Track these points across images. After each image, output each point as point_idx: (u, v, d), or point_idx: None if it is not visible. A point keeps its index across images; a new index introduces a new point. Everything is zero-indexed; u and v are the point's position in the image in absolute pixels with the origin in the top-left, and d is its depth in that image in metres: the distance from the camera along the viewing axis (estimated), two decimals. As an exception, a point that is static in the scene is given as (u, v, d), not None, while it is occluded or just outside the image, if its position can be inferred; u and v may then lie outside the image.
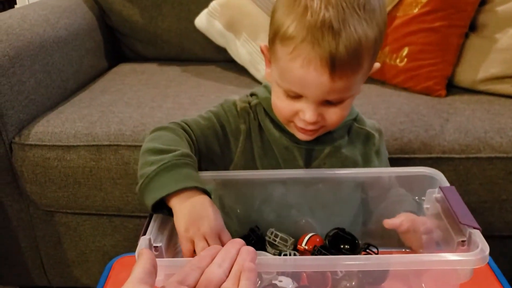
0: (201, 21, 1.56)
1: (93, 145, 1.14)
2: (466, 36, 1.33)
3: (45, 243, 1.29)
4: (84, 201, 1.19)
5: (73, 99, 1.35)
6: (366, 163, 0.85)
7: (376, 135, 0.86)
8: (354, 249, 0.74)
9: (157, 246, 0.63)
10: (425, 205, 0.77)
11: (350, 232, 0.75)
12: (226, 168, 0.82)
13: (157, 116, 1.19)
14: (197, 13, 1.57)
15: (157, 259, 0.52)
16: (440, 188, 0.72)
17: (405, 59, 1.32)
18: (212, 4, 1.52)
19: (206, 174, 0.77)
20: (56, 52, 1.35)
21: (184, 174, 0.68)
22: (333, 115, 0.73)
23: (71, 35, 1.44)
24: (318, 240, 0.76)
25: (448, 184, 0.74)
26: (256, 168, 0.82)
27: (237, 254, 0.55)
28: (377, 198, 0.83)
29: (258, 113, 0.82)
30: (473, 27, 1.34)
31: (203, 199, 0.66)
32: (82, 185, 1.16)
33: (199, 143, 0.78)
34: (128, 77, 1.53)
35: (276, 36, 0.70)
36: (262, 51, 0.78)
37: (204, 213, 0.65)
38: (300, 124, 0.74)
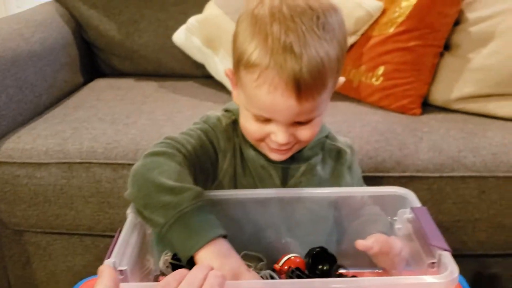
0: (179, 37, 1.55)
1: (64, 163, 1.12)
2: (441, 55, 1.35)
3: (14, 263, 1.25)
4: (54, 220, 1.16)
5: (46, 115, 1.33)
6: (338, 179, 0.85)
7: (348, 151, 0.87)
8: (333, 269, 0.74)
9: (122, 270, 0.62)
10: (397, 226, 0.77)
11: (331, 252, 0.75)
12: (209, 186, 0.80)
13: (131, 133, 1.18)
14: (175, 29, 1.56)
15: (122, 284, 0.50)
16: (412, 208, 0.72)
17: (381, 78, 1.33)
18: (190, 20, 1.52)
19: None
20: (30, 67, 1.33)
21: (206, 221, 0.68)
22: (305, 133, 0.74)
23: (45, 50, 1.42)
24: (298, 261, 0.75)
25: (419, 204, 0.74)
26: (235, 187, 0.81)
27: (204, 279, 0.53)
28: (350, 217, 0.83)
29: (236, 130, 0.82)
30: (447, 46, 1.36)
31: (227, 250, 0.67)
32: (53, 203, 1.14)
33: (194, 166, 0.76)
34: (104, 92, 1.51)
35: (240, 62, 0.71)
36: (227, 75, 0.79)
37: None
38: (273, 145, 0.75)
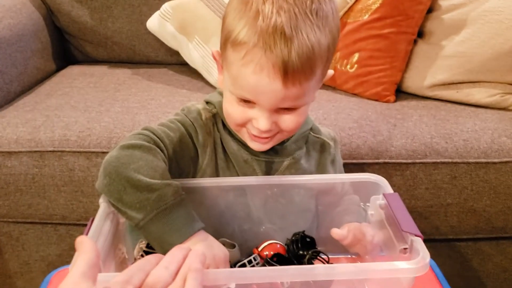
0: (153, 23, 1.53)
1: (36, 151, 1.10)
2: (415, 42, 1.36)
3: (-15, 253, 1.23)
4: (26, 209, 1.14)
5: (16, 103, 1.30)
6: (321, 172, 0.85)
7: (332, 143, 0.86)
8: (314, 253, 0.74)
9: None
10: (370, 212, 0.78)
11: (311, 236, 0.76)
12: None
13: (104, 120, 1.16)
14: (149, 15, 1.54)
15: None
16: (384, 195, 0.73)
17: (355, 65, 1.33)
18: (164, 6, 1.49)
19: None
20: (-2, 54, 1.30)
21: (186, 216, 0.68)
22: (288, 122, 0.71)
23: (15, 36, 1.39)
24: (278, 246, 0.76)
25: (391, 191, 0.75)
26: None
27: (184, 259, 0.52)
28: (330, 205, 0.84)
29: (217, 124, 0.79)
30: (421, 34, 1.37)
31: (209, 240, 0.68)
32: (24, 192, 1.12)
33: (171, 160, 0.73)
34: (76, 79, 1.48)
35: (227, 41, 0.68)
36: (214, 57, 0.76)
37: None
38: (254, 132, 0.72)
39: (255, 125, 0.71)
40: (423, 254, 0.60)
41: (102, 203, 0.71)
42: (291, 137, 0.81)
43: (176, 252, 0.53)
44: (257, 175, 0.80)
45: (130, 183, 0.66)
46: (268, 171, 0.80)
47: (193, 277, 0.49)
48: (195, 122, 0.77)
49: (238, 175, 0.79)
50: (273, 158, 0.80)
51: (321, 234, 0.80)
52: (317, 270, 0.61)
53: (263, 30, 0.63)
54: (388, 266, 0.60)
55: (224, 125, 0.79)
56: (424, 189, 1.11)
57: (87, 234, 0.64)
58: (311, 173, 0.83)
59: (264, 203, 0.79)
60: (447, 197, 1.12)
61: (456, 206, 1.13)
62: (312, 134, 0.85)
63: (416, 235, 0.63)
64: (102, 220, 0.69)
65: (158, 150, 0.71)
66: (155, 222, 0.66)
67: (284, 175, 0.80)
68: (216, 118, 0.79)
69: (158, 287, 0.48)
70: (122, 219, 0.74)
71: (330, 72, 0.75)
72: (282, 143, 0.80)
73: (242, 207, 0.79)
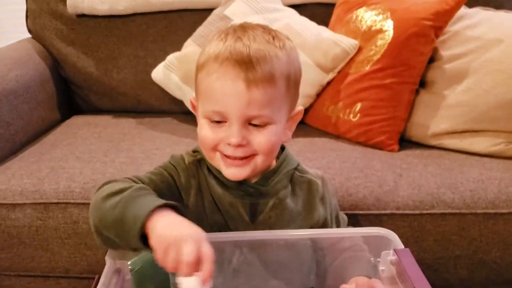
0: (158, 73, 1.56)
1: (40, 203, 1.09)
2: (417, 92, 1.37)
3: (-15, 308, 1.21)
4: (29, 262, 1.13)
5: (21, 154, 1.30)
6: (311, 212, 0.85)
7: (319, 182, 0.87)
8: None
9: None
10: (381, 267, 0.77)
11: None
12: None
13: (109, 171, 1.16)
14: (153, 65, 1.56)
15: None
16: (395, 251, 0.72)
17: (358, 114, 1.34)
18: (169, 58, 1.52)
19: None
20: (5, 105, 1.31)
21: (150, 200, 0.66)
22: (258, 139, 0.74)
23: (21, 87, 1.41)
24: None
25: (402, 246, 0.74)
26: (208, 224, 0.80)
27: None
28: (328, 252, 0.83)
29: (202, 168, 0.82)
30: (423, 83, 1.38)
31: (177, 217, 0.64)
32: (28, 245, 1.11)
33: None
34: (81, 130, 1.49)
35: (196, 72, 0.77)
36: (191, 103, 0.82)
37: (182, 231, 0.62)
38: (227, 151, 0.75)
39: (227, 141, 0.74)
40: None
41: (108, 259, 0.70)
42: (273, 175, 0.82)
43: None
44: (243, 218, 0.80)
45: (102, 199, 0.69)
46: (253, 213, 0.81)
47: None
48: (178, 166, 0.81)
49: (224, 218, 0.80)
50: (257, 199, 0.81)
51: (326, 283, 0.79)
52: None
53: (221, 48, 0.73)
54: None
55: (209, 170, 0.81)
56: (433, 241, 1.09)
57: None
58: (298, 212, 0.83)
59: (265, 258, 0.79)
60: (456, 249, 1.10)
61: (465, 258, 1.11)
62: (298, 173, 0.86)
63: (429, 294, 0.62)
64: (109, 277, 0.68)
65: (135, 184, 0.73)
66: (125, 218, 0.65)
67: (269, 216, 0.81)
68: (201, 164, 0.82)
69: None
70: (128, 276, 0.73)
71: (299, 108, 0.81)
72: (265, 183, 0.81)
73: (240, 264, 0.78)
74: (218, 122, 0.74)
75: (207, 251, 0.61)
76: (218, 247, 0.74)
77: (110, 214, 0.66)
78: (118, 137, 1.42)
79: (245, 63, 0.70)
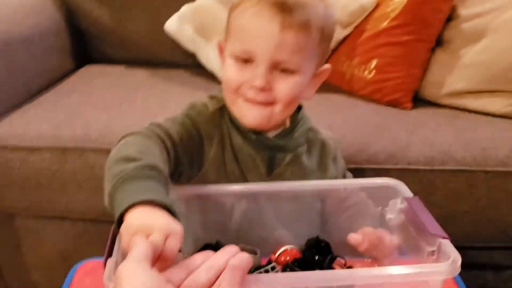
0: (171, 25, 1.54)
1: (58, 148, 1.11)
2: (433, 51, 1.36)
3: (4, 247, 1.25)
4: (46, 204, 1.15)
5: (37, 100, 1.31)
6: (324, 171, 0.86)
7: (331, 142, 0.89)
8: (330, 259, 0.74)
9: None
10: (388, 216, 0.78)
11: (327, 242, 0.76)
12: (196, 172, 0.79)
13: (125, 119, 1.17)
14: (167, 16, 1.55)
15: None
16: (406, 198, 0.74)
17: (373, 71, 1.34)
18: (183, 9, 1.51)
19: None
20: (21, 51, 1.31)
21: (144, 187, 0.59)
22: (283, 87, 0.74)
23: (37, 34, 1.41)
24: (294, 252, 0.76)
25: (411, 195, 0.75)
26: (225, 173, 0.81)
27: (226, 263, 0.51)
28: (336, 207, 0.85)
29: (224, 117, 0.81)
30: (439, 42, 1.37)
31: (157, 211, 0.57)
32: (45, 188, 1.13)
33: (176, 150, 0.74)
34: (95, 79, 1.50)
35: (229, 12, 0.76)
36: (219, 46, 0.81)
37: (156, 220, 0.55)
38: (249, 94, 0.75)
39: (252, 83, 0.73)
40: (454, 256, 0.60)
41: None
42: (292, 131, 0.83)
43: (221, 255, 0.53)
44: (259, 170, 0.81)
45: (115, 160, 0.64)
46: (271, 166, 0.82)
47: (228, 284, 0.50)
48: (201, 114, 0.80)
49: (241, 169, 0.81)
50: (275, 153, 0.82)
51: (333, 239, 0.80)
52: (345, 274, 0.62)
53: None
54: (421, 268, 0.59)
55: (231, 119, 0.81)
56: (441, 196, 1.11)
57: (110, 247, 0.58)
58: (312, 170, 0.85)
59: (276, 208, 0.81)
60: (464, 205, 1.12)
61: (473, 214, 1.13)
62: (312, 133, 0.87)
63: (443, 237, 0.63)
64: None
65: (156, 137, 0.71)
66: (116, 194, 0.59)
67: (285, 170, 0.82)
68: (223, 111, 0.81)
69: None
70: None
71: (327, 66, 0.80)
72: (284, 138, 0.82)
73: (253, 212, 0.80)
74: (245, 62, 0.74)
75: (171, 248, 0.52)
76: (227, 196, 0.78)
77: (110, 181, 0.61)
78: (132, 87, 1.43)
79: (283, 5, 0.70)
